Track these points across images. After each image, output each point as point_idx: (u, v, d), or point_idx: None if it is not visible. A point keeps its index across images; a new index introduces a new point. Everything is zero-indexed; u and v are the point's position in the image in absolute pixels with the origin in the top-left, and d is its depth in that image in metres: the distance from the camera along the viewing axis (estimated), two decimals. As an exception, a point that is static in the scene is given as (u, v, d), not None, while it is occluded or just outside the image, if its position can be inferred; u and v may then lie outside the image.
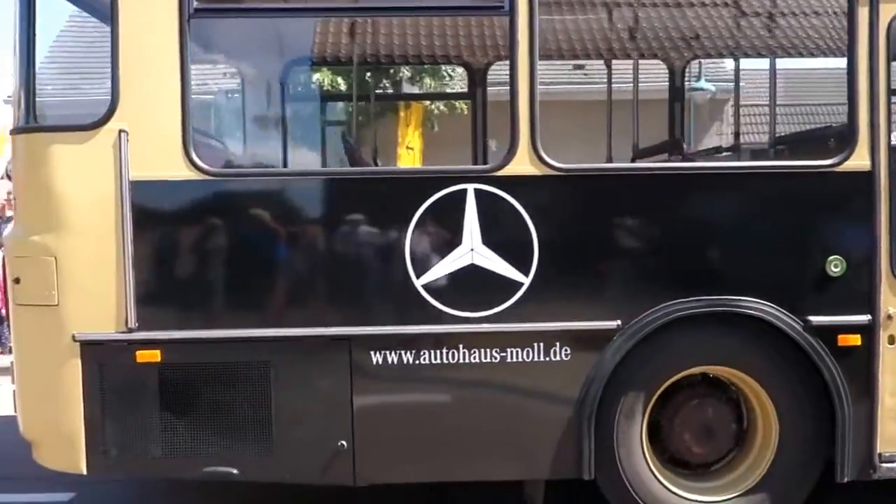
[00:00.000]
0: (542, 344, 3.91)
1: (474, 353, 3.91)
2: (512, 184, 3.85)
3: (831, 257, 3.92)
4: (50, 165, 3.83)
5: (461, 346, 3.90)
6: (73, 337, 3.82)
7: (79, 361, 3.84)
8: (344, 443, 3.93)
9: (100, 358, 3.86)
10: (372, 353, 3.90)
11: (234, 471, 3.93)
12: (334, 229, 3.94)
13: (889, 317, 3.95)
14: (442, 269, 3.87)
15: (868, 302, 3.93)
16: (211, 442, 3.93)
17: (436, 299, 3.87)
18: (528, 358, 3.92)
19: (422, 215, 3.84)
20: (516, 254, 3.86)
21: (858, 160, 3.87)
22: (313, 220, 4.01)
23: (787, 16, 4.72)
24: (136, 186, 3.77)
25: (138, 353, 3.84)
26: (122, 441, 3.92)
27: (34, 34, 3.89)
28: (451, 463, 4.03)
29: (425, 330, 3.90)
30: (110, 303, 3.83)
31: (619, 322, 3.91)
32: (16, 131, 4.01)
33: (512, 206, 3.85)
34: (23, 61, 3.90)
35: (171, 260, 3.92)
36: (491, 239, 3.85)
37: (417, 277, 3.86)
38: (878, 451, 4.02)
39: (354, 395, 3.92)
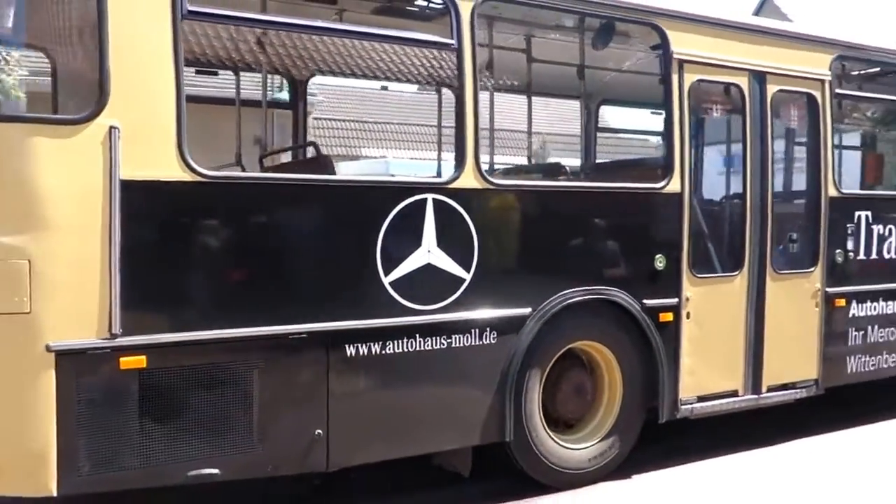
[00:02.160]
0: (475, 328, 4.68)
1: (427, 340, 4.53)
2: (459, 195, 4.57)
3: (657, 255, 5.37)
4: (27, 160, 3.52)
5: (418, 335, 4.49)
6: (47, 347, 3.55)
7: (52, 373, 3.57)
8: (320, 431, 4.23)
9: (77, 368, 3.63)
10: (346, 345, 4.28)
11: (217, 471, 3.97)
12: (314, 232, 4.25)
13: (687, 299, 5.53)
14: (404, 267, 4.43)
15: (676, 288, 5.47)
16: (194, 445, 3.92)
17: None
18: (467, 343, 4.66)
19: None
20: (461, 253, 4.58)
21: (674, 185, 5.39)
22: (296, 224, 4.24)
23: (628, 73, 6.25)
24: (127, 186, 3.66)
25: (122, 359, 3.70)
26: (98, 455, 3.71)
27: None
28: (408, 440, 4.57)
29: (392, 323, 4.40)
30: (91, 309, 3.64)
31: (530, 309, 4.86)
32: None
33: (458, 213, 4.57)
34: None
35: (158, 262, 3.83)
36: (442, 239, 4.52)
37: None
38: (680, 398, 5.57)
39: (330, 386, 4.25)
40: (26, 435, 3.58)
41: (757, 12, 24.56)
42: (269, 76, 6.25)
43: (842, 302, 6.32)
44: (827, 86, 6.12)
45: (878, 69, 6.86)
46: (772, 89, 5.84)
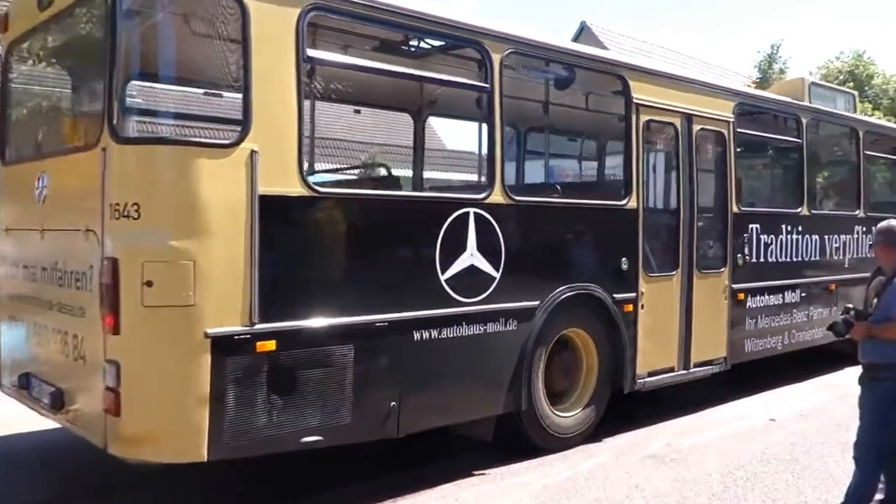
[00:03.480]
0: (503, 317, 5.75)
1: (469, 327, 5.54)
2: (492, 209, 5.63)
3: (622, 258, 6.68)
4: (190, 176, 4.22)
5: (464, 321, 5.49)
6: (205, 333, 4.25)
7: (208, 356, 4.27)
8: (394, 403, 5.12)
9: (226, 351, 4.33)
10: (414, 332, 5.21)
11: (321, 438, 4.77)
12: (393, 238, 5.16)
13: (642, 293, 6.87)
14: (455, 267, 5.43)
15: (635, 285, 6.80)
16: (306, 416, 4.70)
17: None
18: (496, 329, 5.71)
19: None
20: (493, 257, 5.64)
21: (633, 202, 6.73)
22: (381, 231, 5.12)
23: (584, 110, 7.53)
24: (264, 199, 4.43)
25: (258, 343, 4.45)
26: (238, 425, 4.41)
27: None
28: (455, 409, 5.56)
29: (446, 312, 5.38)
30: (236, 301, 4.37)
31: (538, 301, 5.99)
32: (150, 142, 4.19)
33: (491, 223, 5.63)
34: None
35: (285, 263, 4.58)
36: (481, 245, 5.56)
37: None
38: (637, 373, 6.90)
39: (402, 366, 5.15)
40: (185, 408, 4.23)
41: (575, 39, 26.34)
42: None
43: (742, 296, 7.96)
44: (731, 125, 7.76)
45: (766, 114, 8.66)
46: (696, 128, 7.38)
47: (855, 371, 4.58)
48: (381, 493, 5.19)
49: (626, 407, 7.00)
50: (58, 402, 4.77)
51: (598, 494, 5.27)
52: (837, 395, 7.93)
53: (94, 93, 4.69)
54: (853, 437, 4.54)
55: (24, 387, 5.26)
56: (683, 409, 7.43)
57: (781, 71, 30.54)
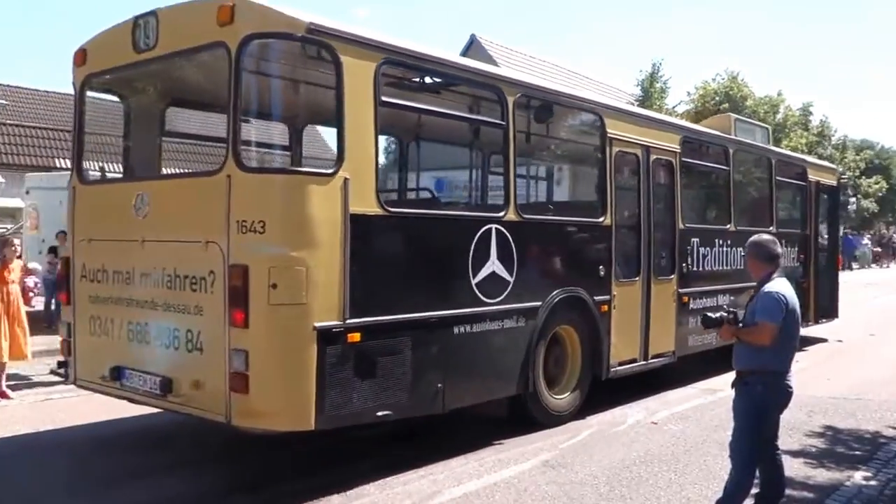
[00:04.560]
0: (515, 315, 6.94)
1: (491, 322, 6.71)
2: (508, 225, 6.83)
3: (600, 266, 8.01)
4: (302, 199, 5.23)
5: (488, 318, 6.66)
6: (314, 327, 5.25)
7: (315, 345, 5.27)
8: (440, 384, 6.23)
9: (327, 341, 5.34)
10: (454, 326, 6.34)
11: (391, 413, 5.83)
12: (441, 249, 6.28)
13: (614, 296, 8.22)
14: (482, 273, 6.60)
15: (609, 288, 8.13)
16: (379, 394, 5.75)
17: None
18: (510, 325, 6.90)
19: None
20: (508, 264, 6.83)
21: (607, 219, 8.08)
22: (432, 243, 6.22)
23: (571, 142, 8.80)
24: (353, 217, 5.47)
25: (349, 335, 5.47)
26: (335, 401, 5.42)
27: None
28: (482, 390, 6.71)
29: (476, 311, 6.53)
30: (334, 300, 5.39)
31: (540, 302, 7.22)
32: (269, 171, 5.16)
33: (507, 237, 6.82)
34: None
35: (366, 269, 5.60)
36: (500, 255, 6.74)
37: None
38: (610, 363, 8.23)
39: (446, 353, 6.26)
40: (299, 387, 5.21)
41: (465, 52, 27.35)
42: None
43: (686, 299, 9.46)
44: (678, 155, 9.27)
45: (703, 145, 10.24)
46: (652, 157, 8.83)
47: (730, 376, 4.88)
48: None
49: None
50: (166, 388, 5.63)
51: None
52: (715, 398, 8.46)
53: (208, 127, 5.59)
54: (730, 437, 4.83)
55: (116, 378, 6.05)
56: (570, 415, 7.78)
57: (662, 90, 32.44)
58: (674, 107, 32.33)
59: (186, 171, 5.63)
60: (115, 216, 6.21)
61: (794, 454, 6.46)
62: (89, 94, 6.71)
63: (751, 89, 33.18)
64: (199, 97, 7.01)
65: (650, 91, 31.39)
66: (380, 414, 5.77)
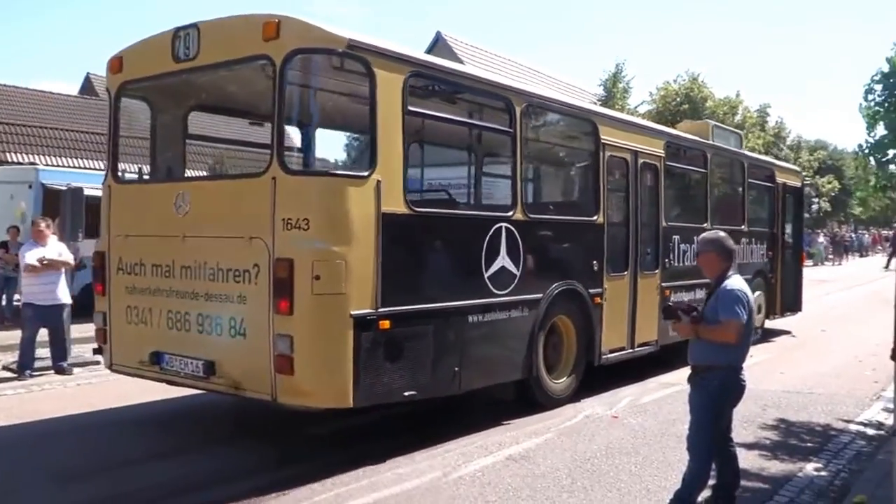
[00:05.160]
0: (520, 306, 7.54)
1: (500, 312, 7.29)
2: (515, 223, 7.41)
3: (593, 261, 8.65)
4: (342, 198, 5.76)
5: (497, 309, 7.24)
6: (351, 314, 5.78)
7: (352, 331, 5.80)
8: (457, 368, 6.80)
9: (362, 327, 5.87)
10: (469, 315, 6.91)
11: (416, 393, 6.38)
12: (458, 245, 6.84)
13: (606, 289, 8.86)
14: (493, 267, 7.18)
15: (601, 282, 8.78)
16: (406, 376, 6.30)
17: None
18: (516, 314, 7.50)
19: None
20: (515, 259, 7.42)
21: (600, 218, 8.72)
22: (450, 239, 6.78)
23: (569, 147, 9.42)
24: (384, 216, 6.01)
25: (380, 322, 6.01)
26: (369, 380, 5.95)
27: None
28: (492, 373, 7.30)
29: (488, 301, 7.11)
30: (367, 291, 5.92)
31: (541, 294, 7.82)
32: (311, 174, 5.68)
33: (515, 234, 7.40)
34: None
35: (394, 261, 6.12)
36: (508, 250, 7.33)
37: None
38: (602, 351, 8.87)
39: (462, 340, 6.83)
40: (339, 368, 5.74)
41: (430, 49, 27.53)
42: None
43: (668, 292, 10.14)
44: (662, 159, 9.95)
45: (684, 150, 10.95)
46: (640, 161, 9.50)
47: (687, 370, 4.98)
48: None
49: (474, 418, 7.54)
50: (209, 371, 6.10)
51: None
52: (673, 392, 8.59)
53: (249, 133, 6.06)
54: (687, 430, 4.94)
55: (155, 363, 6.51)
56: (532, 410, 7.89)
57: (625, 90, 33.15)
58: (636, 107, 33.10)
59: (228, 172, 6.08)
60: (153, 214, 6.66)
61: (749, 447, 6.63)
62: (123, 100, 7.12)
63: (711, 91, 34.04)
64: (234, 104, 7.48)
65: (613, 91, 32.01)
66: (406, 394, 6.32)
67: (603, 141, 8.75)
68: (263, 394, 5.83)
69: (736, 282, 4.83)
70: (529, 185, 8.35)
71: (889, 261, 37.16)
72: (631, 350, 9.45)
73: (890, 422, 5.83)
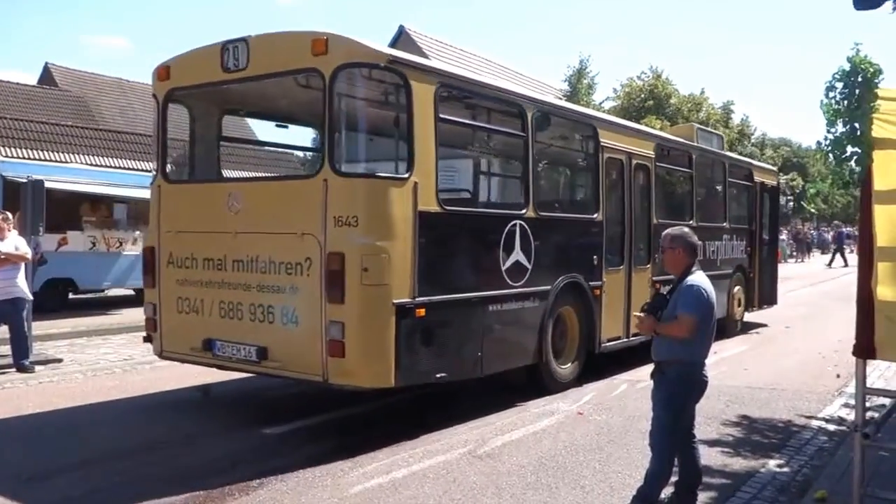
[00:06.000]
0: (532, 297, 8.25)
1: (515, 303, 8.00)
2: (527, 220, 8.12)
3: (594, 256, 9.39)
4: (385, 198, 6.42)
5: (513, 299, 7.95)
6: (393, 303, 6.45)
7: (394, 318, 6.47)
8: (479, 353, 7.50)
9: (402, 315, 6.54)
10: (489, 305, 7.61)
11: (446, 375, 7.06)
12: (480, 240, 7.53)
13: (604, 282, 9.61)
14: (509, 261, 7.88)
15: (601, 275, 9.53)
16: (438, 359, 6.99)
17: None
18: (528, 305, 8.21)
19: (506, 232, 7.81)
20: (528, 254, 8.13)
21: (599, 216, 9.48)
22: (474, 235, 7.47)
23: (572, 150, 10.19)
24: (420, 214, 6.68)
25: (417, 310, 6.68)
26: (408, 363, 6.62)
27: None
28: (508, 359, 8.01)
29: (505, 292, 7.81)
30: (406, 282, 6.59)
31: (550, 286, 8.55)
32: (358, 176, 6.36)
33: (527, 231, 8.11)
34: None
35: (428, 255, 6.79)
36: (522, 246, 8.04)
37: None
38: (601, 340, 9.62)
39: (483, 328, 7.53)
40: (383, 351, 6.40)
41: (393, 43, 27.81)
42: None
43: (658, 285, 10.90)
44: (653, 160, 10.73)
45: (672, 151, 11.75)
46: (634, 162, 10.27)
47: (651, 367, 4.97)
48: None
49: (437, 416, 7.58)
50: (262, 356, 6.73)
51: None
52: (637, 388, 8.73)
53: (299, 138, 6.68)
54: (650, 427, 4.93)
55: (207, 349, 7.11)
56: (496, 407, 7.93)
57: (590, 86, 33.45)
58: (600, 103, 33.51)
59: (278, 175, 6.70)
60: (204, 211, 7.25)
61: (712, 443, 6.70)
62: (171, 105, 7.70)
63: (675, 87, 34.54)
64: (275, 110, 8.09)
65: (577, 87, 32.20)
66: (438, 376, 7.00)
67: (602, 143, 9.51)
68: (315, 375, 6.47)
69: (699, 278, 4.82)
70: (539, 184, 9.01)
71: (832, 259, 37.70)
72: (627, 339, 10.21)
73: (851, 417, 5.84)
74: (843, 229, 46.98)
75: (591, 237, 9.45)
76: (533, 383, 8.58)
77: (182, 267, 7.39)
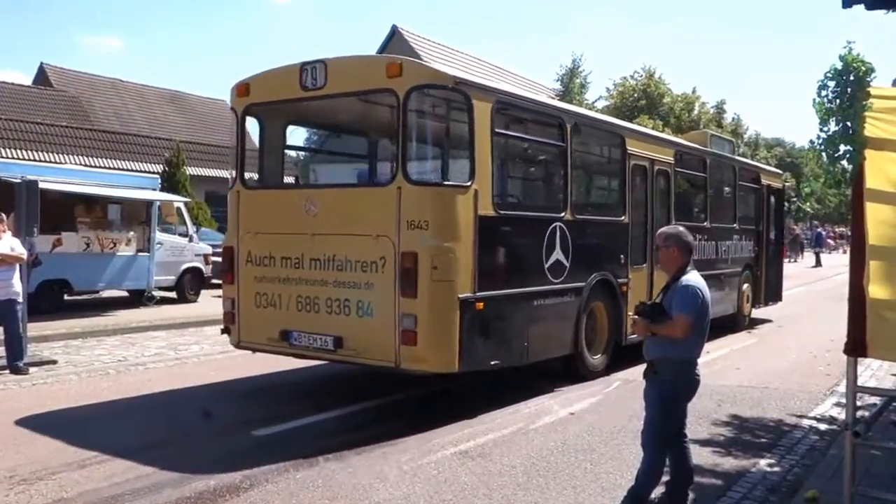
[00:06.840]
0: (569, 292, 9.09)
1: (556, 298, 8.84)
2: (566, 222, 8.96)
3: (621, 255, 10.24)
4: (453, 204, 7.25)
5: (554, 294, 8.78)
6: (458, 298, 7.28)
7: (458, 311, 7.30)
8: (526, 343, 8.34)
9: (464, 308, 7.37)
10: (534, 300, 8.45)
11: (499, 362, 7.90)
12: (527, 240, 8.37)
13: (630, 279, 10.45)
14: (550, 260, 8.72)
15: (627, 273, 10.37)
16: (492, 348, 7.82)
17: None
18: (566, 299, 9.05)
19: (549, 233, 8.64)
20: (566, 253, 8.96)
21: (625, 217, 10.32)
22: (523, 235, 8.31)
23: (603, 157, 11.04)
24: (479, 218, 7.51)
25: (476, 304, 7.52)
26: (469, 351, 7.45)
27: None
28: (547, 349, 8.84)
29: (547, 288, 8.65)
30: (468, 279, 7.43)
31: (584, 283, 9.39)
32: (428, 184, 7.20)
33: (566, 232, 8.94)
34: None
35: (485, 255, 7.62)
36: (561, 246, 8.88)
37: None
38: (626, 332, 10.46)
39: (529, 320, 8.36)
40: (449, 340, 7.23)
41: (386, 43, 28.47)
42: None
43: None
44: (672, 166, 11.59)
45: (689, 158, 12.60)
46: (656, 168, 11.12)
47: (643, 366, 4.91)
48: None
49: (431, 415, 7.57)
50: (338, 345, 7.55)
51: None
52: (630, 388, 8.85)
53: (373, 152, 7.54)
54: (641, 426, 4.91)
55: (284, 339, 7.91)
56: (488, 406, 7.98)
57: (582, 85, 33.69)
58: (593, 102, 34.00)
59: (352, 182, 7.60)
60: (282, 214, 8.06)
61: (703, 442, 6.77)
62: (248, 118, 8.51)
63: (668, 87, 35.07)
64: (345, 125, 8.91)
65: (570, 87, 32.67)
66: (492, 363, 7.84)
67: (629, 151, 10.36)
68: (387, 362, 7.30)
69: (694, 277, 4.80)
70: (575, 189, 9.82)
71: (817, 259, 38.18)
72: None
73: (842, 416, 5.76)
74: (820, 230, 47.99)
75: (618, 237, 10.29)
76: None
77: (260, 265, 8.19)
